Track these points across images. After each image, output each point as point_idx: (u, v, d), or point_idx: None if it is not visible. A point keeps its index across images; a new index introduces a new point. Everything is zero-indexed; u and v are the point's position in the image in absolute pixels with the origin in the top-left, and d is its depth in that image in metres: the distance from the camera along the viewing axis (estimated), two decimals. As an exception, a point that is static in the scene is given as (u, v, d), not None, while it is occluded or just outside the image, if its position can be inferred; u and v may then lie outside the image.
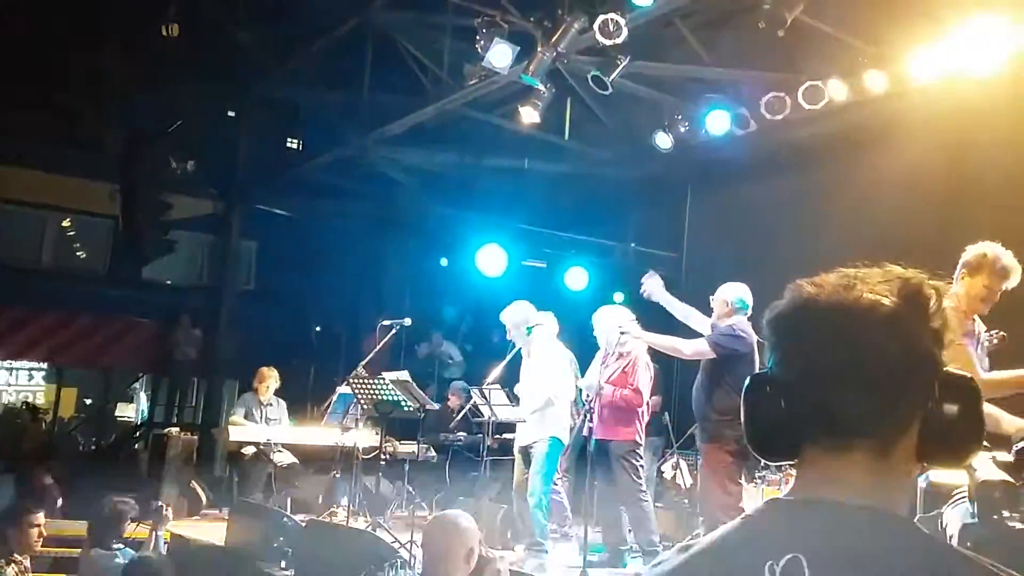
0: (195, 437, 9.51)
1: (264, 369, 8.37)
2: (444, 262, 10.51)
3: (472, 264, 9.38)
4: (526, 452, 6.25)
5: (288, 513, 6.56)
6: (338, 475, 7.43)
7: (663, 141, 8.83)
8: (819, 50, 7.48)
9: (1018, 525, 1.32)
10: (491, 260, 9.39)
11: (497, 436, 7.12)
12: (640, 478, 6.06)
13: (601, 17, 6.66)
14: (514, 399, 6.57)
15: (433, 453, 7.95)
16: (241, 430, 8.01)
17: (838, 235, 7.91)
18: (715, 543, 1.20)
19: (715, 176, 9.28)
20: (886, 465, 1.16)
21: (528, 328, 6.31)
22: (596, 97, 8.65)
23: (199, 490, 8.29)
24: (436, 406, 7.64)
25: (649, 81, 8.49)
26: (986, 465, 3.44)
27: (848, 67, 7.29)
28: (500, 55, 7.27)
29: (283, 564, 5.67)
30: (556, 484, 6.45)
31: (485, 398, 6.33)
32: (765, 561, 1.11)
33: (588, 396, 6.14)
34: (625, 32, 6.62)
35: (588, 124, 9.75)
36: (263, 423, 8.10)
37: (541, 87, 8.04)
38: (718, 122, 8.29)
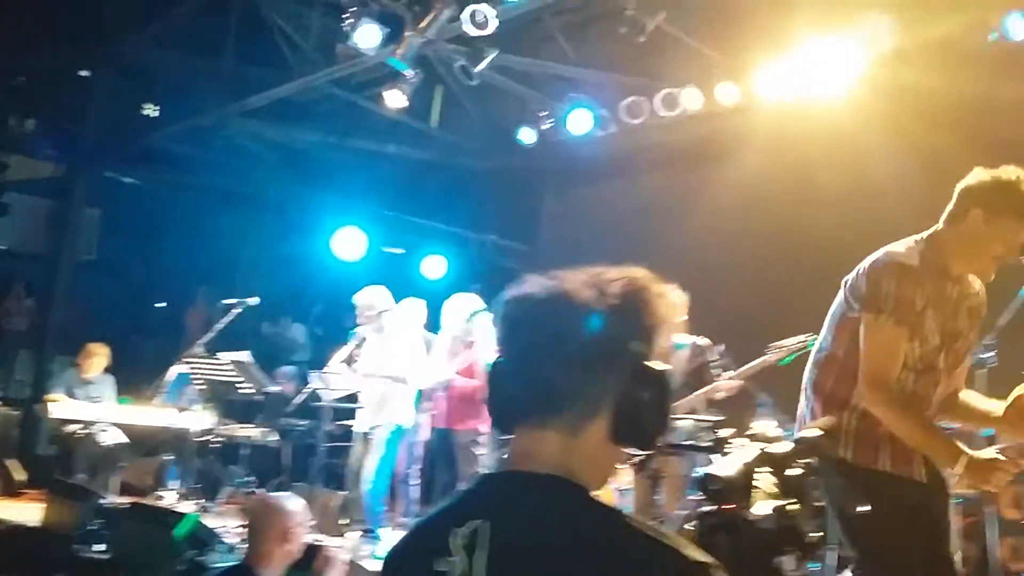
0: (16, 412, 8.94)
1: (91, 345, 7.96)
2: (298, 242, 10.24)
3: (329, 247, 9.20)
4: (366, 438, 6.18)
5: (110, 495, 6.25)
6: (170, 457, 7.14)
7: (527, 136, 8.92)
8: (677, 58, 7.71)
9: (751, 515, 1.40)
10: (349, 244, 9.24)
11: (340, 422, 7.01)
12: (481, 467, 6.10)
13: (471, 7, 6.64)
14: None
15: (275, 438, 7.74)
16: (65, 407, 7.57)
17: (689, 239, 8.20)
18: (427, 517, 1.32)
19: (575, 174, 9.43)
20: (577, 444, 1.26)
21: (380, 312, 6.25)
22: (464, 87, 8.64)
23: (14, 468, 7.80)
24: (276, 389, 7.45)
25: (516, 75, 8.55)
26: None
27: (703, 77, 7.55)
28: (368, 35, 7.16)
29: (99, 547, 5.40)
30: (410, 474, 6.41)
31: (325, 383, 6.21)
32: (451, 529, 1.22)
33: (434, 385, 6.13)
34: (494, 24, 6.64)
35: (455, 114, 9.73)
36: (85, 401, 7.69)
37: (408, 72, 7.96)
38: (580, 121, 8.43)
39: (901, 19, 6.76)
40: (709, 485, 1.42)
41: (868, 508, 2.64)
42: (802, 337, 5.24)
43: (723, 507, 1.40)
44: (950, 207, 3.18)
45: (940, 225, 3.18)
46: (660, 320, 1.32)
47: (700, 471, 1.48)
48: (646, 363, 1.28)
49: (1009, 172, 3.03)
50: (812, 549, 1.50)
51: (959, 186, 3.18)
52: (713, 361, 5.65)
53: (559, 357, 1.26)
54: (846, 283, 3.21)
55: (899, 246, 3.17)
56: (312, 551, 3.94)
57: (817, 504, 1.57)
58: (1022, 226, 2.97)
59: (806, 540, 1.50)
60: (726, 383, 5.36)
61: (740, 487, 1.40)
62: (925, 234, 3.20)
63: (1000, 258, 3.01)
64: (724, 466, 1.45)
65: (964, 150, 6.97)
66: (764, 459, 1.58)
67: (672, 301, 1.34)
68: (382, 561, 1.36)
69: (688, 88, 7.58)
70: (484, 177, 9.90)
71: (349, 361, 6.45)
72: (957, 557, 2.95)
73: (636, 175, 9.10)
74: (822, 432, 1.66)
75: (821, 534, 1.62)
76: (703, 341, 5.71)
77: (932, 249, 3.10)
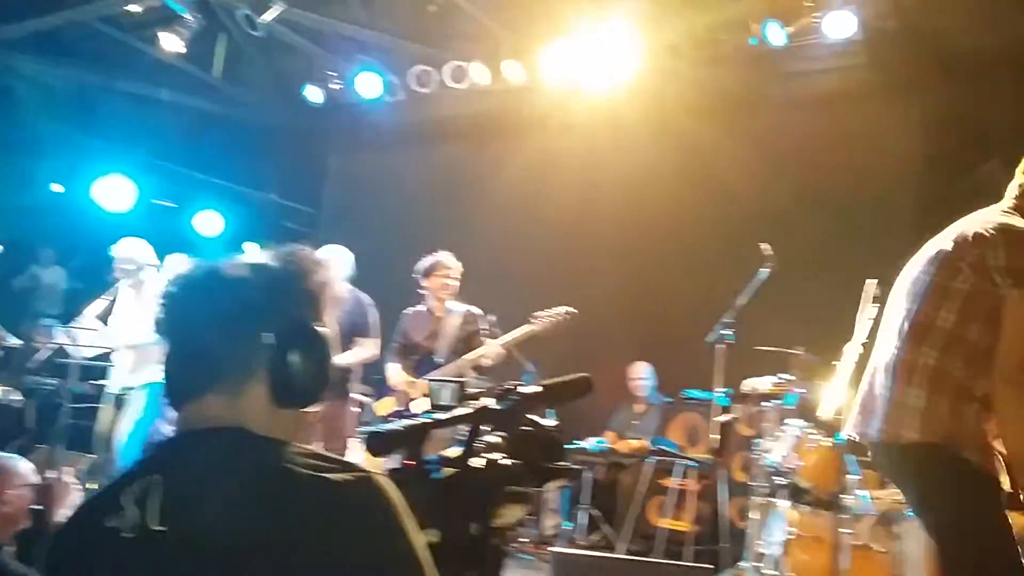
0: None
1: None
2: (57, 188, 9.44)
3: (90, 195, 8.56)
4: (118, 399, 5.86)
5: None
6: None
7: (313, 95, 8.72)
8: (467, 32, 7.80)
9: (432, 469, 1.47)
10: (114, 193, 8.64)
11: (93, 381, 6.58)
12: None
13: (254, -48, 6.41)
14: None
15: (18, 396, 7.14)
16: None
17: (477, 213, 8.35)
18: (100, 489, 1.35)
19: (363, 139, 9.32)
20: (240, 404, 1.31)
21: (140, 267, 5.91)
22: (251, 39, 8.31)
23: None
24: (17, 343, 6.89)
25: (305, 32, 8.32)
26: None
27: (490, 53, 7.68)
28: (142, -28, 6.72)
29: None
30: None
31: (72, 339, 5.81)
32: (123, 490, 1.25)
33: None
34: (279, -26, 6.43)
35: (240, 66, 9.33)
36: None
37: (187, 15, 7.57)
38: (369, 85, 8.34)
39: (672, 12, 7.17)
40: (370, 441, 1.48)
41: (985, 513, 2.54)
42: (562, 309, 5.50)
43: (405, 463, 1.46)
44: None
45: (1011, 200, 2.89)
46: (315, 287, 1.39)
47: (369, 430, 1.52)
48: (298, 326, 1.34)
49: None
50: (522, 504, 1.56)
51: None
52: (483, 329, 5.81)
53: (212, 327, 1.32)
54: (945, 250, 2.82)
55: (1000, 216, 2.82)
56: (41, 515, 3.72)
57: (543, 462, 1.62)
58: None
59: (517, 496, 1.55)
60: (491, 350, 5.53)
61: (411, 442, 1.47)
62: (1006, 205, 2.89)
63: None
64: (391, 424, 1.51)
65: (723, 143, 7.60)
66: (484, 415, 1.62)
67: (328, 273, 1.42)
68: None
69: (475, 62, 7.68)
70: (267, 134, 9.57)
71: (104, 317, 6.07)
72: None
73: (426, 145, 9.13)
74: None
75: (540, 490, 1.67)
76: (475, 310, 5.85)
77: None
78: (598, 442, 7.13)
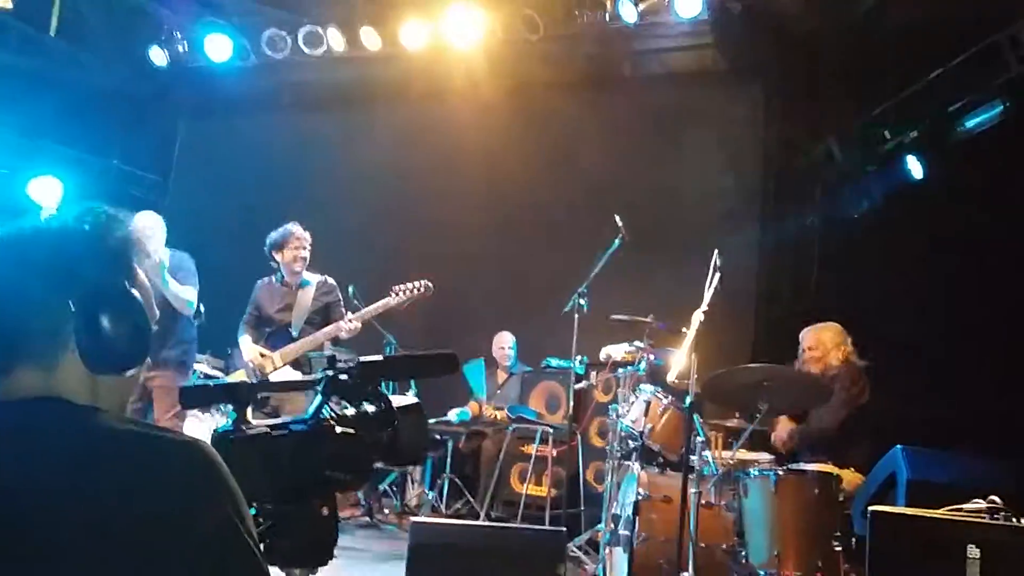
0: None
1: None
2: None
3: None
4: None
5: None
6: None
7: (158, 57, 8.30)
8: (322, -4, 7.61)
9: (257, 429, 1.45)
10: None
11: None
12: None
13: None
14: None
15: None
16: None
17: (334, 182, 8.19)
18: None
19: (214, 104, 8.97)
20: (55, 376, 1.25)
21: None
22: (91, -3, 7.83)
23: None
24: None
25: (149, -10, 7.91)
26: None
27: (346, 19, 7.51)
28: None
29: None
30: None
31: None
32: None
33: None
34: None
35: (79, 25, 8.76)
36: None
37: (16, -32, 7.05)
38: (219, 48, 8.02)
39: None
40: (181, 393, 1.46)
41: None
42: (421, 283, 5.49)
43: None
44: None
45: None
46: (116, 246, 1.32)
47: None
48: (101, 288, 1.27)
49: None
50: (357, 476, 1.54)
51: None
52: (339, 299, 5.74)
53: (6, 298, 1.24)
54: None
55: None
56: None
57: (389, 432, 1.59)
58: None
59: (351, 466, 1.53)
60: (347, 324, 5.46)
61: (232, 401, 1.45)
62: None
63: None
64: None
65: (578, 115, 7.75)
66: (328, 384, 1.59)
67: (139, 231, 1.36)
68: None
69: (331, 28, 7.50)
70: (109, 97, 9.05)
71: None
72: None
73: (281, 112, 8.87)
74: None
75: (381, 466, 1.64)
76: (330, 279, 5.77)
77: None
78: (460, 413, 7.21)
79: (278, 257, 5.68)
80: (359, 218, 8.10)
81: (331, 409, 1.54)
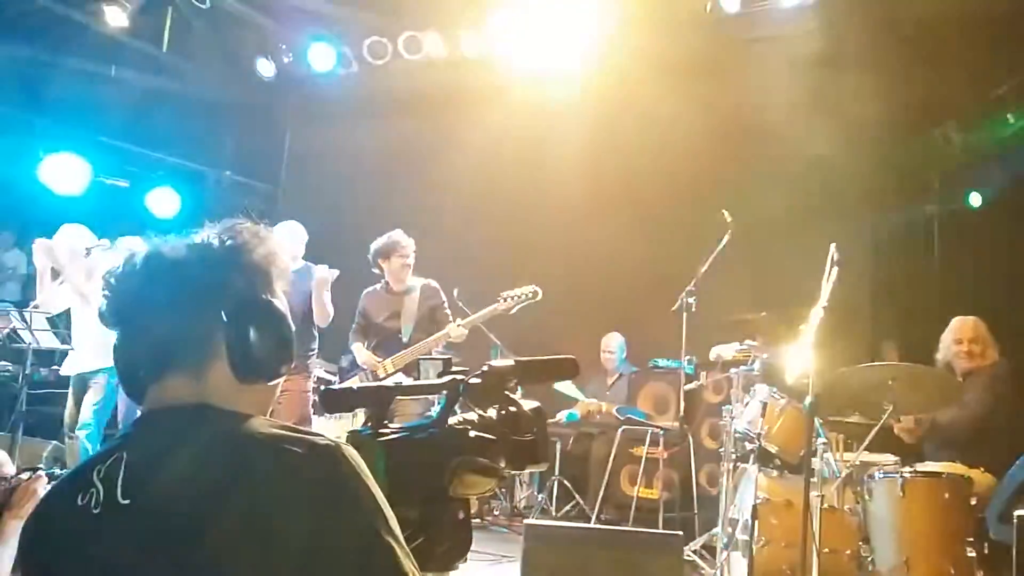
0: None
1: None
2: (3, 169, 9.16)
3: (37, 175, 8.32)
4: (81, 382, 5.73)
5: None
6: None
7: (265, 68, 8.55)
8: (422, 1, 7.66)
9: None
10: (64, 172, 8.40)
11: (55, 367, 6.43)
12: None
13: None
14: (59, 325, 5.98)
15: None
16: None
17: (435, 187, 8.26)
18: (75, 467, 1.36)
19: (319, 112, 9.15)
20: (203, 386, 1.31)
21: (88, 250, 5.77)
22: (199, 12, 8.10)
23: None
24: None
25: (254, 3, 8.14)
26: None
27: (446, 23, 7.57)
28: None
29: None
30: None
31: (26, 322, 5.65)
32: (95, 467, 1.26)
33: None
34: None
35: (189, 40, 9.09)
36: None
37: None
38: (322, 57, 8.21)
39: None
40: (322, 395, 1.48)
41: None
42: (529, 288, 5.48)
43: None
44: None
45: None
46: (260, 259, 1.38)
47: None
48: (247, 299, 1.33)
49: None
50: (489, 477, 1.53)
51: None
52: (444, 302, 5.79)
53: (160, 310, 1.31)
54: None
55: None
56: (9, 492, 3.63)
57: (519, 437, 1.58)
58: None
59: (484, 468, 1.52)
60: (456, 330, 5.49)
61: (369, 405, 1.46)
62: None
63: None
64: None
65: (680, 110, 7.61)
66: (453, 387, 1.59)
67: (272, 245, 1.41)
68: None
69: (430, 32, 7.56)
70: (220, 109, 9.36)
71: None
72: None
73: (383, 118, 8.98)
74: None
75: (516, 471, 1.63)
76: (433, 283, 5.82)
77: None
78: (569, 414, 7.18)
79: (384, 265, 5.77)
80: (459, 220, 8.15)
81: (461, 415, 1.54)
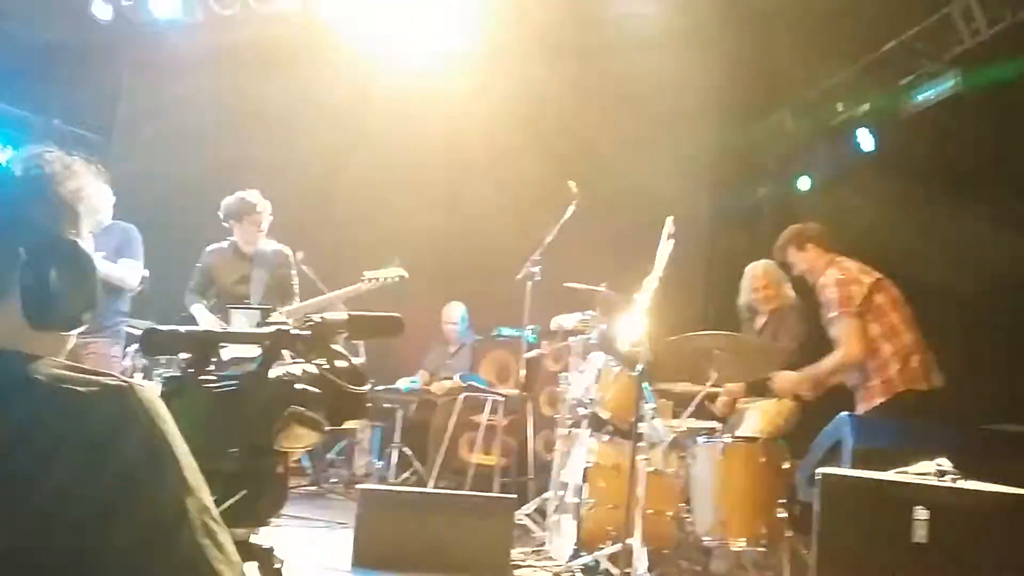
0: None
1: None
2: None
3: None
4: None
5: None
6: None
7: (101, 11, 8.00)
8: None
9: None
10: None
11: None
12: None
13: None
14: None
15: None
16: None
17: (283, 143, 7.98)
18: None
19: (161, 62, 8.64)
20: None
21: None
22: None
23: None
24: None
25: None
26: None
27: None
28: None
29: None
30: None
31: None
32: None
33: None
34: None
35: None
36: None
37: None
38: (165, 3, 7.76)
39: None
40: (142, 337, 1.40)
41: None
42: (395, 271, 5.37)
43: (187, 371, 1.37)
44: None
45: None
46: (67, 195, 1.25)
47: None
48: (50, 237, 1.20)
49: None
50: (312, 430, 1.50)
51: None
52: (294, 272, 5.63)
53: None
54: None
55: None
56: None
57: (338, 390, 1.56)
58: None
59: (307, 420, 1.49)
60: (330, 312, 5.30)
61: (191, 350, 1.39)
62: None
63: None
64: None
65: (535, 81, 7.65)
66: (281, 338, 1.54)
67: (86, 178, 1.28)
68: None
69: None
70: (50, 52, 8.70)
71: None
72: None
73: (230, 72, 8.59)
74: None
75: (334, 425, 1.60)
76: (286, 249, 5.63)
77: None
78: (411, 382, 7.14)
79: (235, 226, 5.48)
80: (309, 180, 7.91)
81: (285, 367, 1.51)
